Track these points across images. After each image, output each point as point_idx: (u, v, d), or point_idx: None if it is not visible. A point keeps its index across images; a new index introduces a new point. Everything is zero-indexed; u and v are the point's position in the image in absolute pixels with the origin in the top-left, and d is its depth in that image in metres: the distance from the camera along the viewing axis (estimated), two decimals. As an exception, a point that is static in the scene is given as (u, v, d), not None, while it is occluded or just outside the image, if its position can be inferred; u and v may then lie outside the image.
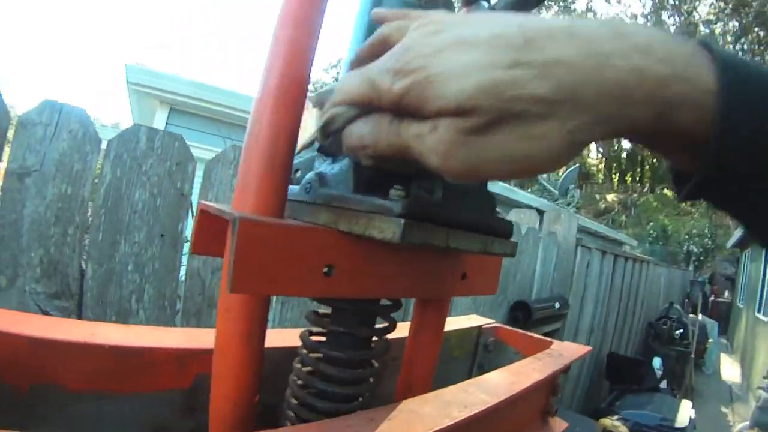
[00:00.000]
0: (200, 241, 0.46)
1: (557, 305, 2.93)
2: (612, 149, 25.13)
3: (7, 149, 1.10)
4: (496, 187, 8.48)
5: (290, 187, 0.43)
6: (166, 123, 4.92)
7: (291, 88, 0.40)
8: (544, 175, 11.92)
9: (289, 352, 0.56)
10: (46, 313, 1.13)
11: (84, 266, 1.19)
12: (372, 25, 0.43)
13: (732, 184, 0.30)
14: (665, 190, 21.58)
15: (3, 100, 1.07)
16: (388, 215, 0.33)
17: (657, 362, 4.69)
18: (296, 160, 0.45)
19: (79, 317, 1.17)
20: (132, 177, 1.19)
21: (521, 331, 1.04)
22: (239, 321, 0.40)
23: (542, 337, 0.99)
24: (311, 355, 0.49)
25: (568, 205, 9.00)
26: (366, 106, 0.33)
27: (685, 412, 3.08)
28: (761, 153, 0.28)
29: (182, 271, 1.30)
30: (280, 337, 0.61)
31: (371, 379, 0.52)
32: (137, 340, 0.54)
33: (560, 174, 10.57)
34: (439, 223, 0.34)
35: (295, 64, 0.41)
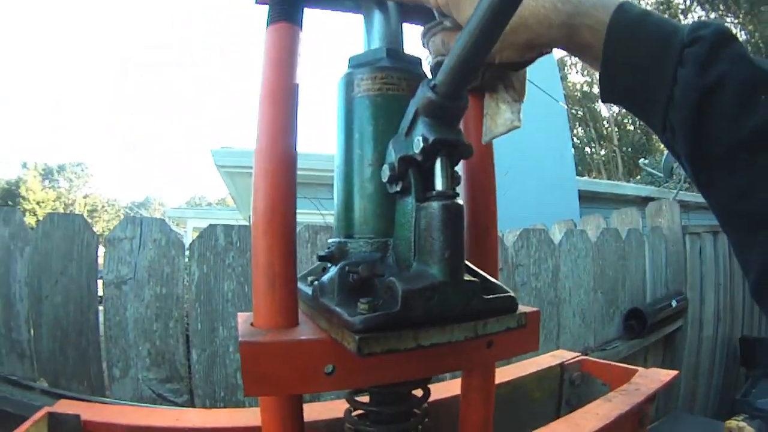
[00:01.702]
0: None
1: (674, 303, 2.76)
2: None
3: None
4: (600, 185, 8.12)
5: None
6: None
7: (278, 217, 0.46)
8: (646, 161, 11.23)
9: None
10: (160, 395, 1.29)
11: (189, 352, 1.33)
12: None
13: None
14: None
15: (91, 228, 1.30)
16: (351, 330, 0.37)
17: (798, 334, 4.17)
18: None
19: (191, 396, 1.32)
20: (218, 271, 1.33)
21: (605, 361, 1.03)
22: (275, 414, 0.46)
23: (627, 366, 0.98)
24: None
25: (677, 184, 8.38)
26: None
27: (833, 387, 2.72)
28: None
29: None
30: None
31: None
32: (214, 422, 0.67)
33: (660, 157, 9.92)
34: (405, 327, 0.37)
35: (280, 194, 0.46)
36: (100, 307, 1.31)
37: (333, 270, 0.46)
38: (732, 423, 1.89)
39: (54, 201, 32.51)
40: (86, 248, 1.29)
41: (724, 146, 0.37)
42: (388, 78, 0.50)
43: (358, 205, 0.49)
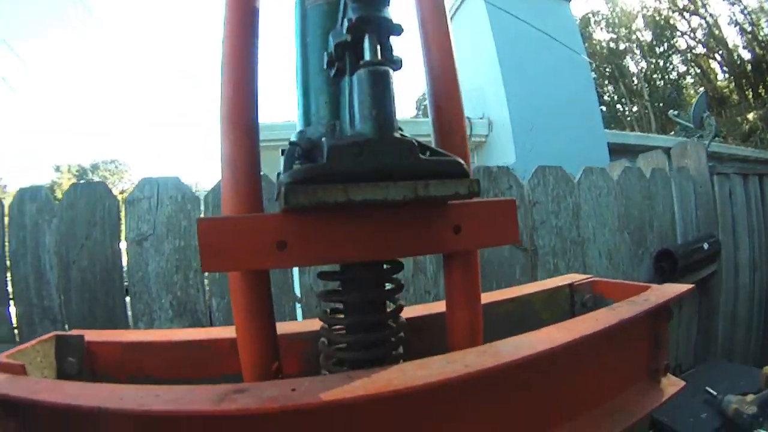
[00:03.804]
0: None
1: (706, 245, 2.67)
2: (735, 63, 22.01)
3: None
4: (629, 137, 7.88)
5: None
6: (291, 169, 5.19)
7: (242, 114, 0.49)
8: (676, 112, 10.85)
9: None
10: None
11: (209, 301, 1.39)
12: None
13: None
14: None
15: (113, 194, 1.39)
16: (281, 186, 0.39)
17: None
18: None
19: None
20: (233, 221, 1.38)
21: (618, 281, 1.00)
22: (242, 297, 0.49)
23: (641, 284, 0.94)
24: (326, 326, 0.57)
25: (709, 135, 8.04)
26: None
27: None
28: None
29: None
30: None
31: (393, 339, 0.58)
32: (205, 336, 0.71)
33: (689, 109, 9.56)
34: (335, 181, 0.39)
35: (242, 103, 0.49)
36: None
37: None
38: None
39: (93, 199, 33.15)
40: (108, 212, 1.37)
41: None
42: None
43: (312, 97, 0.53)
